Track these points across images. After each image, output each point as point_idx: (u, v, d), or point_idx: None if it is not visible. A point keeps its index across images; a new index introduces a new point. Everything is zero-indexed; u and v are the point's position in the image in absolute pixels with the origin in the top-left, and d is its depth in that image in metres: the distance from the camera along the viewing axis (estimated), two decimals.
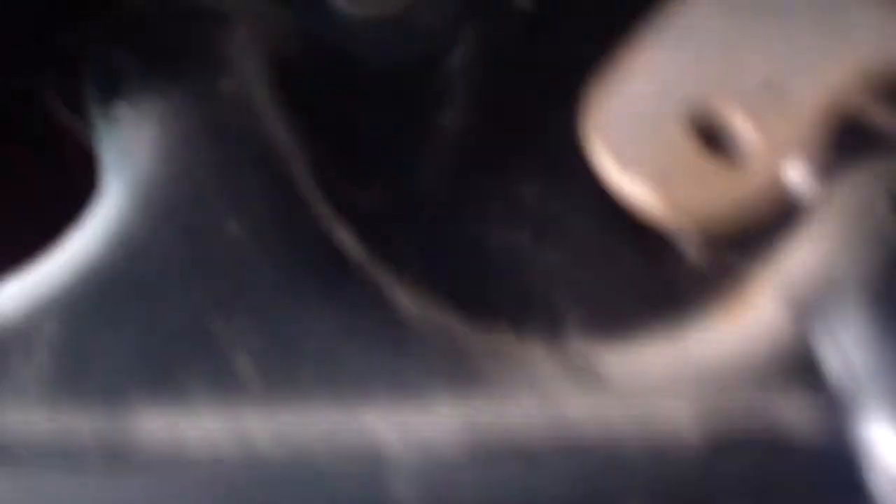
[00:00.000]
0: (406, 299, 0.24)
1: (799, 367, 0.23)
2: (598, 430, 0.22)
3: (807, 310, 0.23)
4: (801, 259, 0.24)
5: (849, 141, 0.24)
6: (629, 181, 0.23)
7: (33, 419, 0.22)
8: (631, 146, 0.23)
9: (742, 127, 0.24)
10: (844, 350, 0.22)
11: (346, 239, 0.25)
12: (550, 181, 0.27)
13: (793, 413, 0.22)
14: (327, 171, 0.26)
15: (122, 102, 0.26)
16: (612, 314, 0.25)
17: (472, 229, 0.27)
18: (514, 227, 0.27)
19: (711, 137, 0.24)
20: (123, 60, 0.26)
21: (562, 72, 0.28)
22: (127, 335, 0.23)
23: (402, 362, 0.23)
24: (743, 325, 0.24)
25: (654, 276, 0.25)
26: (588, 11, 0.29)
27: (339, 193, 0.26)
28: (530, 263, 0.26)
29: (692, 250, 0.25)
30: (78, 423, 0.22)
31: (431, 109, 0.28)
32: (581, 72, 0.28)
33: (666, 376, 0.23)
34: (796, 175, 0.24)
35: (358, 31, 0.29)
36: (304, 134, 0.26)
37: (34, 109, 0.29)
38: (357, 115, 0.28)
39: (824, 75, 0.24)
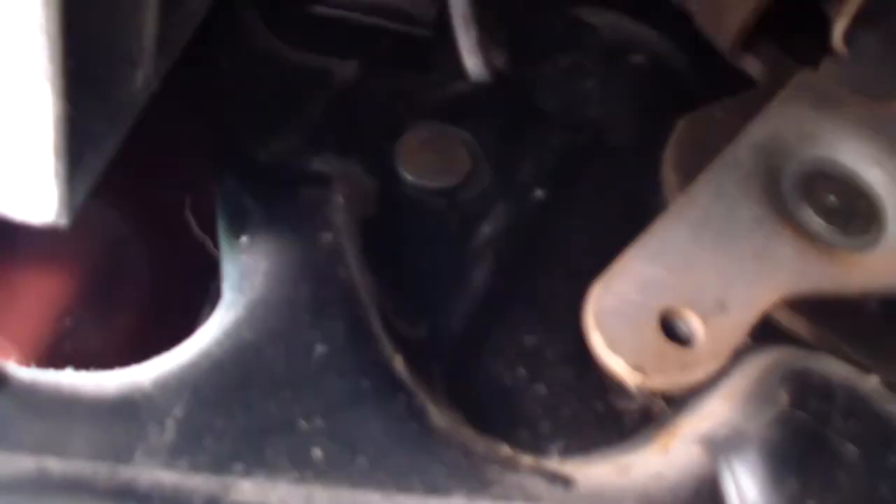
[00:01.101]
0: (436, 413, 0.33)
1: (709, 494, 0.32)
2: None
3: (717, 451, 0.32)
4: (716, 411, 0.32)
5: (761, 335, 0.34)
6: (612, 356, 0.32)
7: (159, 475, 0.30)
8: (616, 331, 0.32)
9: (696, 327, 0.33)
10: (741, 487, 0.31)
11: (398, 364, 0.33)
12: (547, 335, 0.36)
13: None
14: (390, 311, 0.35)
15: (244, 236, 0.35)
16: (580, 437, 0.34)
17: (485, 364, 0.36)
18: (515, 365, 0.36)
19: (672, 331, 0.33)
20: (250, 204, 0.35)
21: (566, 251, 0.38)
22: (234, 420, 0.31)
23: (431, 463, 0.32)
24: (670, 456, 0.32)
25: (611, 412, 0.35)
26: (588, 206, 0.39)
27: (396, 329, 0.34)
28: (524, 393, 0.35)
29: (642, 398, 0.34)
30: (191, 482, 0.30)
31: (466, 268, 0.37)
32: (581, 252, 0.37)
33: (616, 487, 0.32)
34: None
35: (422, 198, 0.38)
36: (377, 279, 0.35)
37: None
38: (412, 267, 0.37)
39: (756, 297, 0.34)
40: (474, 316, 0.37)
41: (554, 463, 0.33)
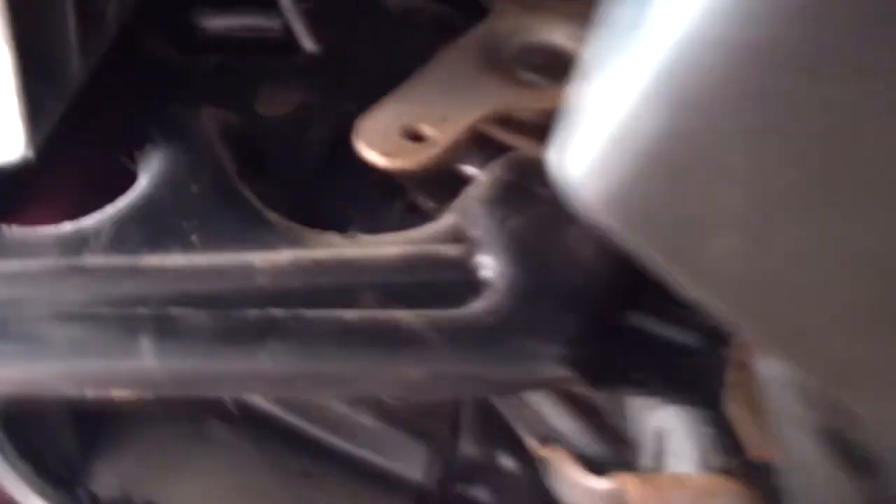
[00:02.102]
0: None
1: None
2: None
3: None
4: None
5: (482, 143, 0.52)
6: (370, 152, 0.50)
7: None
8: (373, 139, 0.51)
9: (425, 131, 0.51)
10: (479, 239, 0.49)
11: (258, 205, 0.52)
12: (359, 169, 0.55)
13: None
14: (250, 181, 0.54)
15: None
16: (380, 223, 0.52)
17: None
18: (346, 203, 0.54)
19: (410, 135, 0.51)
20: (158, 136, 0.55)
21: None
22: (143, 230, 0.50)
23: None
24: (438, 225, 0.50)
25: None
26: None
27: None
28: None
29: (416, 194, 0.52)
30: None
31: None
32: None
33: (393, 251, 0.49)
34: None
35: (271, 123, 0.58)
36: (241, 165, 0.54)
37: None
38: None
39: (469, 112, 0.52)
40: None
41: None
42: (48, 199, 0.57)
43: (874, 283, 0.28)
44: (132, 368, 0.45)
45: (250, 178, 0.54)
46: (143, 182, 0.52)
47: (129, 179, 0.54)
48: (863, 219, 0.27)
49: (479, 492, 0.61)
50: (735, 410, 0.44)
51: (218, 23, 0.63)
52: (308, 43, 0.61)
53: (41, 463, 0.55)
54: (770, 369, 0.41)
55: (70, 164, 0.56)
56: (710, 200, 0.28)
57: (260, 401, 0.60)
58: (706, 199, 0.29)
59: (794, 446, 0.39)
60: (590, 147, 0.30)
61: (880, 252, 0.28)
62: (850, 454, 0.36)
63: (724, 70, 0.27)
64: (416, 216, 0.52)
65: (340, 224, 0.52)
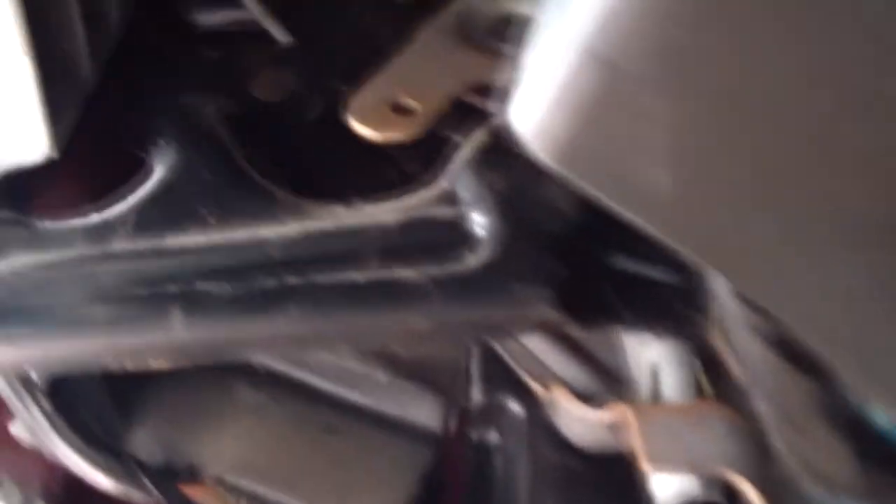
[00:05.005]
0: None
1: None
2: None
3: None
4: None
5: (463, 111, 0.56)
6: (361, 126, 0.55)
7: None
8: (363, 113, 0.56)
9: (415, 104, 0.56)
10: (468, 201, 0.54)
11: (265, 184, 0.57)
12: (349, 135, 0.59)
13: None
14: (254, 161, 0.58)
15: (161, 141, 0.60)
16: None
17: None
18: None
19: (401, 108, 0.56)
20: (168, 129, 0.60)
21: None
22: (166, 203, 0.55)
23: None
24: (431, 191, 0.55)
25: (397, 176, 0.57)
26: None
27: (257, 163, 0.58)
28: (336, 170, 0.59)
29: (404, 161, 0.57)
30: None
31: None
32: None
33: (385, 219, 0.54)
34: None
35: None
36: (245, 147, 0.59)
37: None
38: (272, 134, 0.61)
39: (447, 85, 0.57)
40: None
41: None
42: (66, 188, 0.62)
43: (789, 195, 0.33)
44: (166, 339, 0.50)
45: (254, 159, 0.59)
46: (158, 170, 0.57)
47: (138, 165, 0.59)
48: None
49: (491, 435, 0.67)
50: (718, 338, 0.49)
51: (208, 18, 0.68)
52: (280, 34, 0.65)
53: (89, 434, 0.61)
54: (717, 282, 0.46)
55: (81, 154, 0.61)
56: (639, 142, 0.33)
57: (283, 363, 0.65)
58: (636, 141, 0.34)
59: (748, 353, 0.44)
60: (535, 105, 0.35)
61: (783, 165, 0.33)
62: (798, 355, 0.41)
63: (641, 32, 0.32)
64: (406, 180, 0.57)
65: (339, 193, 0.57)
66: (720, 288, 0.47)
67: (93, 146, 0.62)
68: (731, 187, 0.33)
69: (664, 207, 0.35)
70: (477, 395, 0.63)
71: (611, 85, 0.33)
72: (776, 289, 0.34)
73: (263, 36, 0.67)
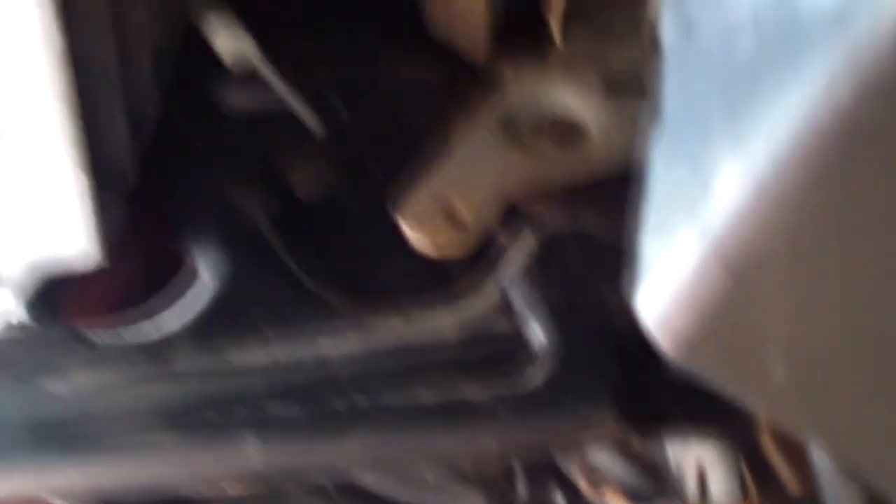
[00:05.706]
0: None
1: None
2: None
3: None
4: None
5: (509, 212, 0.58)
6: (419, 239, 0.56)
7: None
8: (419, 223, 0.57)
9: (467, 214, 0.57)
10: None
11: (318, 290, 0.57)
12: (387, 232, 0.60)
13: None
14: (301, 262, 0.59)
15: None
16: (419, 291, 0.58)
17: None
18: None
19: (452, 216, 0.57)
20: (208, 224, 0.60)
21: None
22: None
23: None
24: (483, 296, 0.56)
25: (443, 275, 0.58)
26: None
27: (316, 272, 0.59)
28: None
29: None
30: None
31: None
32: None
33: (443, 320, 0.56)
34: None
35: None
36: (283, 235, 0.59)
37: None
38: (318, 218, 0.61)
39: (499, 194, 0.58)
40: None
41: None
42: (109, 289, 0.62)
43: None
44: (240, 464, 0.51)
45: (303, 262, 0.59)
46: (208, 278, 0.58)
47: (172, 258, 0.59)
48: None
49: None
50: (769, 445, 0.51)
51: (236, 100, 0.67)
52: (316, 127, 0.65)
53: None
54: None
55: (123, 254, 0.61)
56: (757, 340, 0.35)
57: None
58: (755, 339, 0.36)
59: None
60: (660, 300, 0.37)
61: None
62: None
63: (771, 242, 0.34)
64: (451, 276, 0.58)
65: (387, 292, 0.58)
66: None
67: (129, 241, 0.62)
68: (848, 379, 0.36)
69: (777, 395, 0.37)
70: (523, 491, 0.65)
71: (736, 291, 0.35)
72: (880, 463, 0.37)
73: (294, 119, 0.67)
